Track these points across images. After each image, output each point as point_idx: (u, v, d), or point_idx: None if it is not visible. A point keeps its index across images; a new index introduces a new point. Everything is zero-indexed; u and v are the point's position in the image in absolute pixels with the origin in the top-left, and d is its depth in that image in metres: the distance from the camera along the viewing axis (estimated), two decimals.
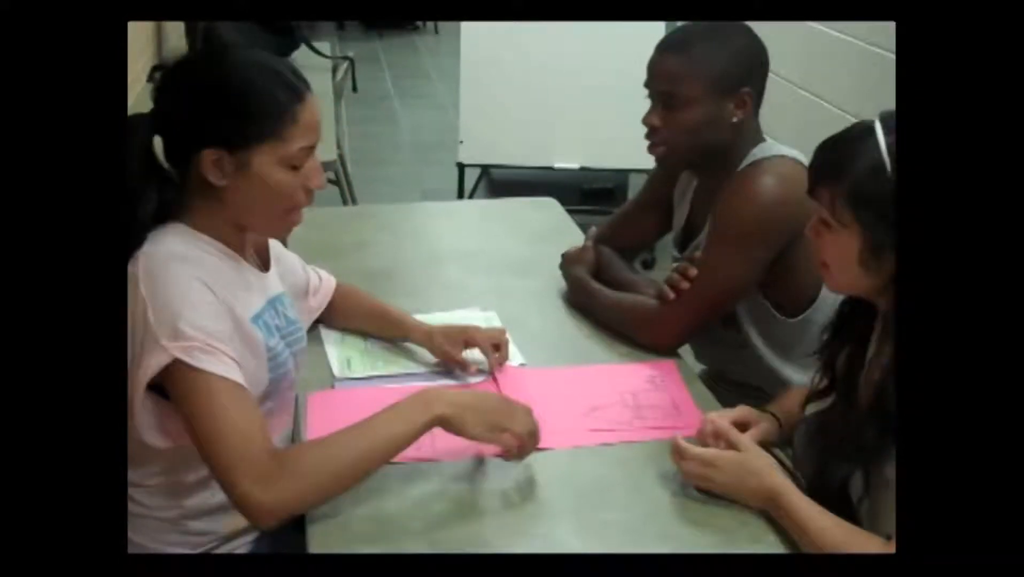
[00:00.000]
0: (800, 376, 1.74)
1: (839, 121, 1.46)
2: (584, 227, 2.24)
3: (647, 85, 1.80)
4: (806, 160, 1.72)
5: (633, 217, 2.13)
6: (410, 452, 1.39)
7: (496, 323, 1.92)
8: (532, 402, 1.63)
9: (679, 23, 1.93)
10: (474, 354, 1.77)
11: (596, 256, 2.05)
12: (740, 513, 1.39)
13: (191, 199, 1.42)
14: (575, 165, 4.38)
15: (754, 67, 1.79)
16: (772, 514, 1.37)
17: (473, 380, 1.74)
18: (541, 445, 1.52)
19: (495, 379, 1.74)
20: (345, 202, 3.98)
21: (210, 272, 1.38)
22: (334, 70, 4.21)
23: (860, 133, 1.31)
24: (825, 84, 3.54)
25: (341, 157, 3.91)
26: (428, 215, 2.77)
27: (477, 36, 4.28)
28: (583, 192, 4.56)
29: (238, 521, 1.39)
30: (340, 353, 1.81)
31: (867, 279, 1.33)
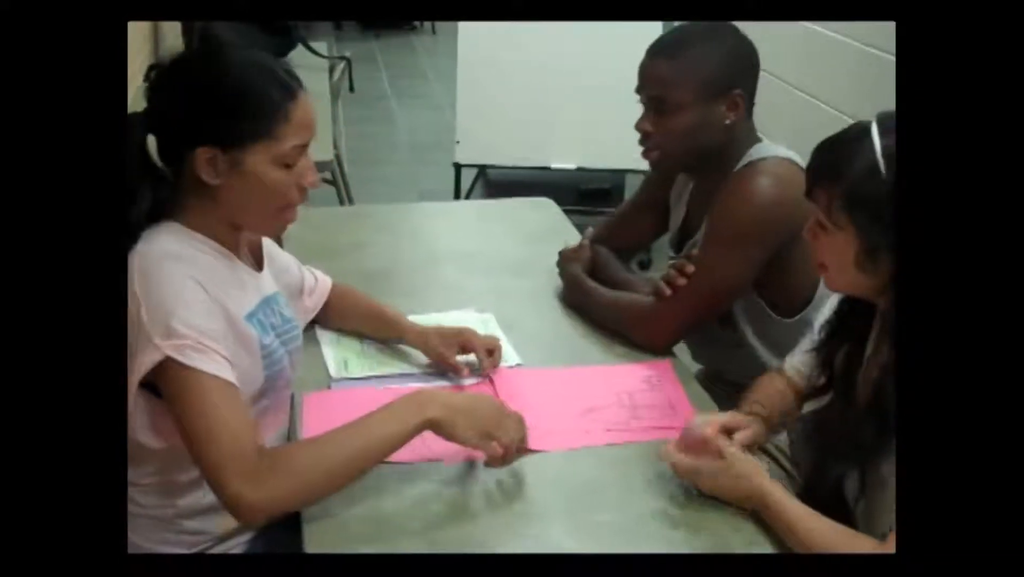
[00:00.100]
0: None
1: (836, 122, 1.47)
2: (581, 227, 2.24)
3: (638, 91, 1.80)
4: (802, 161, 1.73)
5: (630, 218, 2.13)
6: (403, 454, 1.39)
7: (493, 324, 1.92)
8: (528, 403, 1.63)
9: (676, 23, 1.93)
10: (468, 356, 1.77)
11: (592, 255, 2.05)
12: (736, 514, 1.38)
13: (185, 198, 1.42)
14: (572, 165, 4.38)
15: (744, 68, 1.79)
16: (762, 516, 1.36)
17: (467, 381, 1.74)
18: (538, 446, 1.52)
19: (491, 380, 1.73)
20: (342, 202, 3.98)
21: (204, 271, 1.38)
22: (331, 70, 4.21)
23: (856, 135, 1.31)
24: (822, 85, 3.54)
25: (338, 157, 3.91)
26: (425, 215, 2.77)
27: (474, 36, 4.28)
28: (580, 192, 4.55)
29: (232, 521, 1.39)
30: (337, 354, 1.81)
31: (864, 280, 1.33)
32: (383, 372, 1.76)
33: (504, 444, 1.41)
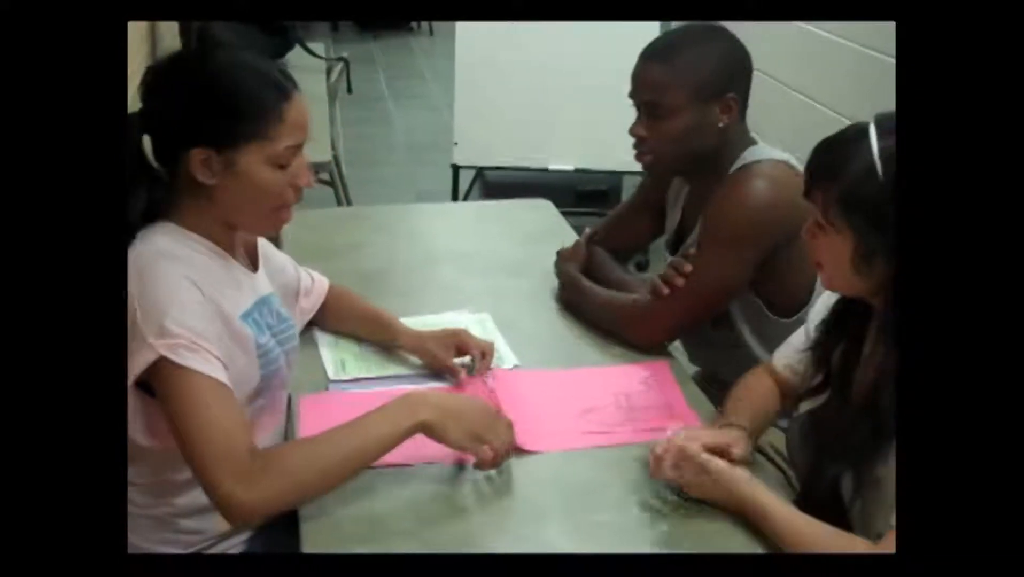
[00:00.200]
0: None
1: (834, 124, 1.46)
2: (578, 229, 2.24)
3: (631, 95, 1.81)
4: (797, 163, 1.73)
5: (626, 219, 2.13)
6: (397, 456, 1.40)
7: (490, 325, 1.92)
8: (526, 404, 1.63)
9: (674, 24, 1.93)
10: (464, 358, 1.76)
11: (589, 255, 2.05)
12: (733, 515, 1.38)
13: (180, 198, 1.42)
14: (570, 167, 4.38)
15: (737, 72, 1.79)
16: (752, 523, 1.36)
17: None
18: (535, 447, 1.52)
19: (485, 383, 1.73)
20: (340, 203, 3.97)
21: (199, 271, 1.38)
22: (328, 71, 4.20)
23: (854, 136, 1.31)
24: (820, 87, 3.55)
25: (336, 158, 3.90)
26: (423, 216, 2.77)
27: (472, 38, 4.28)
28: (577, 194, 4.55)
29: None
30: (334, 355, 1.80)
31: (860, 281, 1.33)
32: (381, 374, 1.76)
33: (494, 447, 1.41)
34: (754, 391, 1.61)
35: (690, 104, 1.75)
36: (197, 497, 1.42)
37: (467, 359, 1.75)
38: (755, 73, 1.83)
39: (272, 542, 1.50)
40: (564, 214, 2.55)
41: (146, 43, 3.64)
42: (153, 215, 1.42)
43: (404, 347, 1.80)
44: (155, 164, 1.42)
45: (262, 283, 1.55)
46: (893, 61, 2.83)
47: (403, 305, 1.91)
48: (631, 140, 1.83)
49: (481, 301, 2.01)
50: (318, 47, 4.43)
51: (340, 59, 4.37)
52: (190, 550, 1.47)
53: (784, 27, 3.66)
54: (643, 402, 1.68)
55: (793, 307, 1.81)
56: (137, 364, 1.29)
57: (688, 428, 1.48)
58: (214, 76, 1.38)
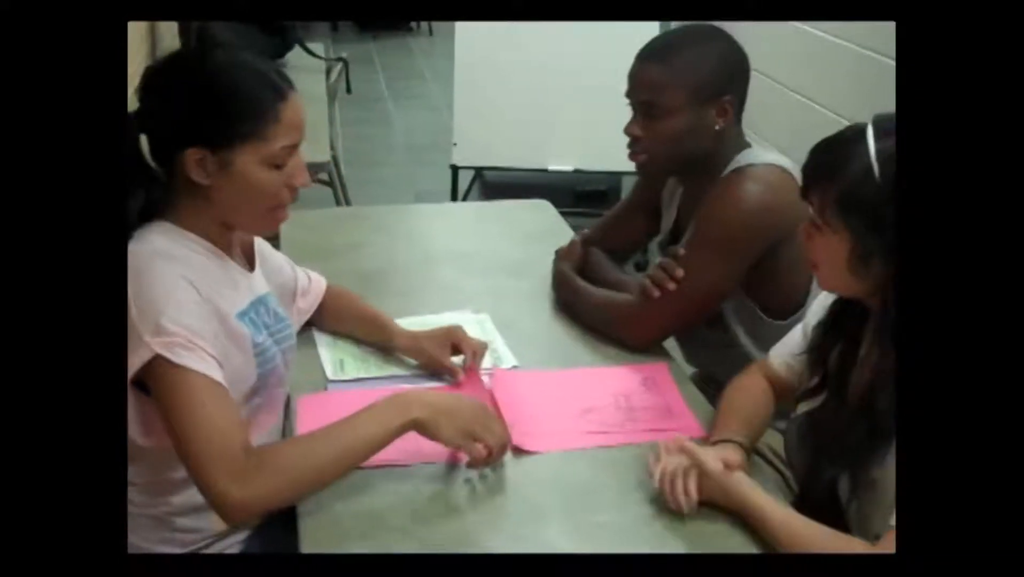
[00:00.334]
0: None
1: (833, 125, 1.46)
2: (578, 229, 2.24)
3: (628, 95, 1.80)
4: (791, 166, 1.73)
5: (623, 219, 2.13)
6: (393, 455, 1.40)
7: (489, 325, 1.92)
8: (525, 404, 1.63)
9: (673, 24, 1.93)
10: (460, 357, 1.76)
11: (585, 255, 2.05)
12: (733, 515, 1.38)
13: (177, 197, 1.42)
14: (569, 167, 4.38)
15: (735, 74, 1.79)
16: (749, 525, 1.36)
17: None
18: (534, 447, 1.52)
19: (480, 383, 1.72)
20: (339, 203, 3.97)
21: (196, 270, 1.38)
22: (328, 71, 4.20)
23: (852, 137, 1.31)
24: (819, 87, 3.55)
25: (335, 158, 3.90)
26: (422, 217, 2.76)
27: (471, 38, 4.28)
28: (576, 194, 4.55)
29: None
30: (333, 355, 1.80)
31: (856, 282, 1.33)
32: (379, 374, 1.75)
33: (488, 445, 1.41)
34: (748, 394, 1.60)
35: (687, 105, 1.75)
36: (194, 496, 1.42)
37: (461, 358, 1.75)
38: (754, 74, 1.83)
39: (270, 540, 1.50)
40: (563, 214, 2.55)
41: (146, 43, 3.65)
42: (150, 214, 1.42)
43: (400, 349, 1.79)
44: (152, 163, 1.42)
45: (259, 283, 1.55)
46: (892, 62, 2.83)
47: (402, 305, 1.91)
48: None
49: (480, 301, 2.01)
50: (317, 47, 4.43)
51: (339, 59, 4.37)
52: (188, 549, 1.47)
53: (783, 28, 3.67)
54: (642, 403, 1.68)
55: (787, 310, 1.81)
56: (133, 363, 1.29)
57: (685, 444, 1.46)
58: (209, 76, 1.38)
